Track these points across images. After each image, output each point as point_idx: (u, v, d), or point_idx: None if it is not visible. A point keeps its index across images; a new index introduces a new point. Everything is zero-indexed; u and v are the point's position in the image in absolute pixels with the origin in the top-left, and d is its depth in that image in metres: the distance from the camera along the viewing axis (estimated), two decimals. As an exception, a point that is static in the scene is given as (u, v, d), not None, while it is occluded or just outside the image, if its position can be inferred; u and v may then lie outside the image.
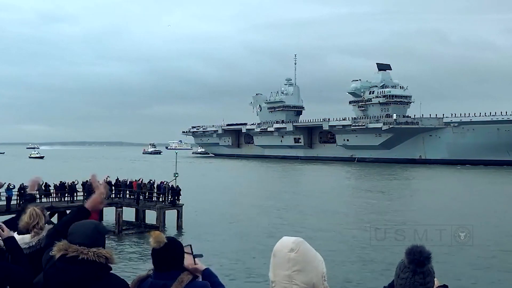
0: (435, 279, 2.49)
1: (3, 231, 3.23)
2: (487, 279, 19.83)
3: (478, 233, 23.92)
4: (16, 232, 3.54)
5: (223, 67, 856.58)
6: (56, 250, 2.64)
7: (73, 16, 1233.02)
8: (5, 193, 28.76)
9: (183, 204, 31.89)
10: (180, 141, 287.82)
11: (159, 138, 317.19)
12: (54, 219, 32.95)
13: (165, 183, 33.72)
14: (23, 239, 3.52)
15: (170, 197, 32.25)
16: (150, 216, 32.28)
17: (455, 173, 79.44)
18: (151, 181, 34.59)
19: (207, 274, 2.87)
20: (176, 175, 33.99)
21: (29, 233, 3.62)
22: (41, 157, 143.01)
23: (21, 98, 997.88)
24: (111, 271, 2.69)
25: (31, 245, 3.53)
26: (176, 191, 32.27)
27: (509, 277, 20.23)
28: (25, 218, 3.66)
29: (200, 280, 2.79)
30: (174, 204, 31.76)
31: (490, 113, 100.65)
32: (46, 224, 3.69)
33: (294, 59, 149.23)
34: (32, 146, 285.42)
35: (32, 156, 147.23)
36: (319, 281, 2.41)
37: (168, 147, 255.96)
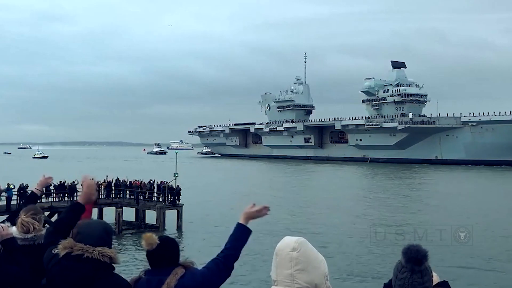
0: (435, 274, 2.52)
1: (3, 231, 3.27)
2: (487, 279, 19.86)
3: (478, 233, 23.80)
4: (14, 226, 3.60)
5: (223, 67, 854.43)
6: (61, 248, 2.65)
7: (72, 16, 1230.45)
8: (5, 193, 28.97)
9: (183, 204, 31.88)
10: (181, 141, 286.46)
11: (160, 138, 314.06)
12: (54, 219, 31.76)
13: (165, 182, 33.38)
14: (12, 231, 3.53)
15: (170, 197, 32.14)
16: (150, 216, 32.25)
17: (473, 174, 77.37)
18: (151, 181, 34.33)
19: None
20: (176, 175, 33.70)
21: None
22: (45, 157, 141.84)
23: (20, 98, 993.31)
24: (114, 271, 2.72)
25: (25, 237, 3.51)
26: (176, 191, 32.12)
27: (509, 277, 20.22)
28: (18, 229, 3.55)
29: (196, 268, 2.84)
30: (174, 204, 31.73)
31: (511, 112, 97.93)
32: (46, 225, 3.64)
33: (304, 57, 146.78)
34: (24, 146, 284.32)
35: (36, 156, 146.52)
36: (322, 281, 2.43)
37: (170, 147, 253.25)
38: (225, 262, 2.89)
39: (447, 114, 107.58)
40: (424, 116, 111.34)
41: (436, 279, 2.56)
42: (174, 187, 32.64)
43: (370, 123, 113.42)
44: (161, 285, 2.73)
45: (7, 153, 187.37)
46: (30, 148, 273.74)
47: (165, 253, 2.82)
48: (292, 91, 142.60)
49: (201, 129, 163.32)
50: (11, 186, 29.21)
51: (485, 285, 19.26)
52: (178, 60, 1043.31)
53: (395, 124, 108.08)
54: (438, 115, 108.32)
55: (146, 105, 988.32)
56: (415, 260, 2.40)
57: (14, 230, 3.52)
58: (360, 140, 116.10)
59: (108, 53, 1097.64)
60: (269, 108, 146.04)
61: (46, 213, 32.45)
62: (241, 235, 2.98)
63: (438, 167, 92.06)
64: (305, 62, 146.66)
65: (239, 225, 2.99)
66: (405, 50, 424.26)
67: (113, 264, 2.70)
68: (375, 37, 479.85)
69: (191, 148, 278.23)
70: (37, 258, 3.06)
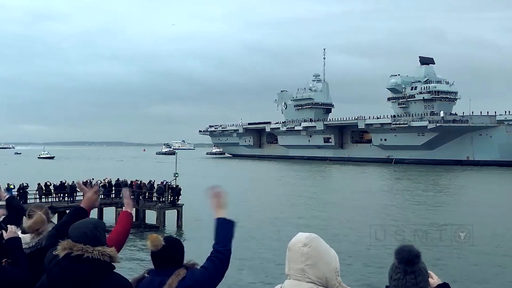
0: (435, 276, 2.52)
1: (11, 229, 3.29)
2: (487, 279, 19.69)
3: (478, 233, 23.84)
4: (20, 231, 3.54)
5: (221, 66, 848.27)
6: (61, 249, 2.65)
7: (67, 15, 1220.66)
8: (5, 193, 24.30)
9: (183, 204, 32.04)
10: (183, 141, 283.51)
11: (160, 138, 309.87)
12: (54, 219, 28.26)
13: (164, 182, 33.21)
14: (23, 239, 3.46)
15: (170, 197, 32.22)
16: (150, 216, 32.49)
17: (508, 175, 72.02)
18: (151, 181, 34.38)
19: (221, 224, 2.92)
20: (176, 175, 33.96)
21: (29, 234, 3.58)
22: (51, 157, 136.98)
23: (16, 98, 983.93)
24: (114, 270, 2.73)
25: (30, 245, 3.46)
26: (176, 191, 32.25)
27: (510, 277, 20.06)
28: (30, 222, 3.55)
29: (197, 268, 2.84)
30: (174, 204, 31.96)
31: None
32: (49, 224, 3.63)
33: (323, 53, 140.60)
34: (5, 146, 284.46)
35: (41, 156, 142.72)
36: (332, 276, 2.50)
37: (172, 147, 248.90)
38: (220, 257, 2.84)
39: (481, 112, 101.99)
40: (455, 114, 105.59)
41: (436, 281, 2.49)
42: (174, 186, 32.68)
43: (397, 122, 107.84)
44: (163, 285, 2.72)
45: (18, 153, 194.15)
46: (13, 148, 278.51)
47: (169, 255, 2.79)
48: (310, 89, 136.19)
49: (212, 129, 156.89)
50: (11, 186, 29.01)
51: (485, 285, 19.16)
52: (175, 59, 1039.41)
53: (424, 123, 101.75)
54: (471, 114, 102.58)
55: (145, 105, 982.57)
56: (407, 261, 2.40)
57: (24, 236, 3.44)
58: (385, 140, 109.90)
59: (103, 53, 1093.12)
60: (286, 107, 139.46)
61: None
62: (223, 228, 2.90)
63: (470, 169, 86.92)
64: (324, 58, 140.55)
65: (217, 220, 2.93)
66: (403, 49, 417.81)
67: (113, 263, 2.68)
68: (372, 36, 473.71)
69: (193, 148, 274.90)
70: (41, 262, 2.98)
